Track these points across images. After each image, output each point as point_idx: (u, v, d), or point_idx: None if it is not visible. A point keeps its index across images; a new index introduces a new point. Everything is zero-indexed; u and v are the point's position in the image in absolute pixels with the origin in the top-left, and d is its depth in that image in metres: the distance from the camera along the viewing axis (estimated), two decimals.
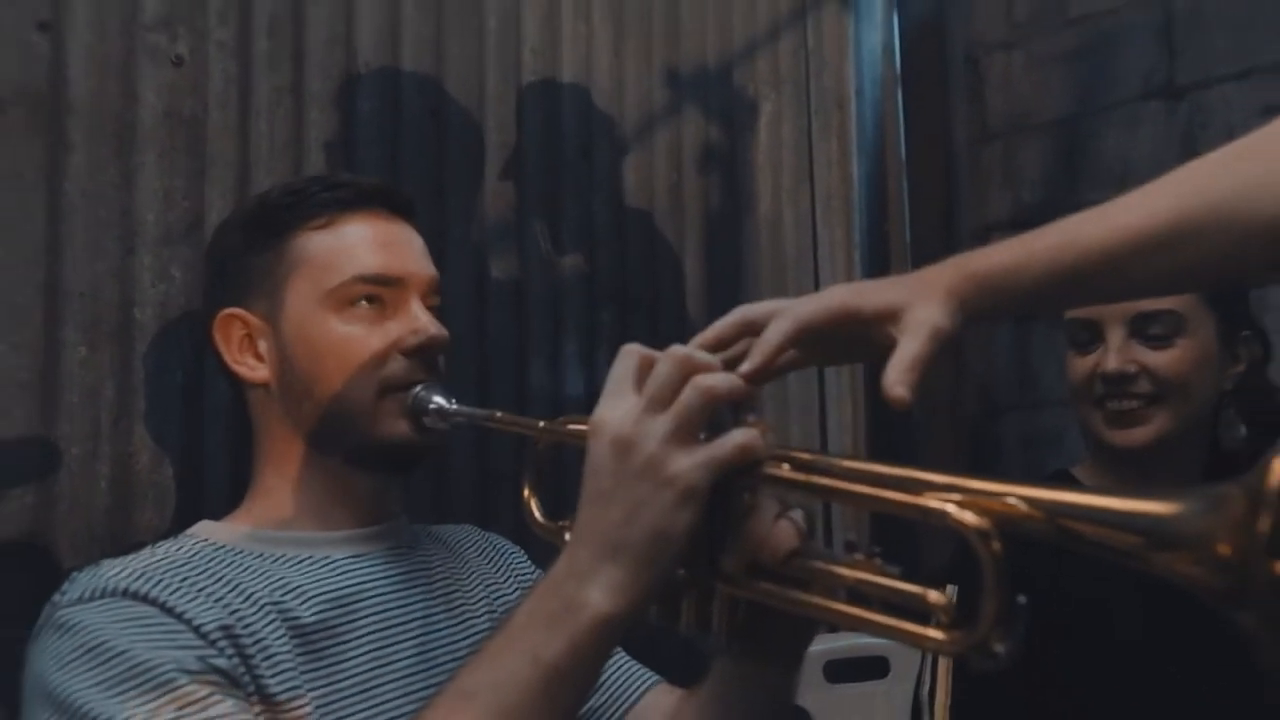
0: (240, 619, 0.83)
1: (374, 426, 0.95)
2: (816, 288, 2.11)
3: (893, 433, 2.15)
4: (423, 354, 0.96)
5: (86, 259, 1.22)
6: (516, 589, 1.07)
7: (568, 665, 0.67)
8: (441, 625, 0.97)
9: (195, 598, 0.83)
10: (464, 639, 0.98)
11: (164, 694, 0.75)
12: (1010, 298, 0.77)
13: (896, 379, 0.70)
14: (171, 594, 0.82)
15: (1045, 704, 1.14)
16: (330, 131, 1.44)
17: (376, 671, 0.90)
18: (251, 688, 0.81)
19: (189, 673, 0.77)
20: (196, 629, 0.80)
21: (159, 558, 0.88)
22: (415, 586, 0.98)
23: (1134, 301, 1.20)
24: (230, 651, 0.81)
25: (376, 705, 0.89)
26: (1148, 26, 2.03)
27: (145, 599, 0.81)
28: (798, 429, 2.04)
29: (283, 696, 0.82)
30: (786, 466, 0.69)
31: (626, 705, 1.03)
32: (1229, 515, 0.52)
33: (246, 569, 0.90)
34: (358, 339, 0.95)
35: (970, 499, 0.60)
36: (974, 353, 2.23)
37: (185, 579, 0.85)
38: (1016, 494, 0.60)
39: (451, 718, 0.68)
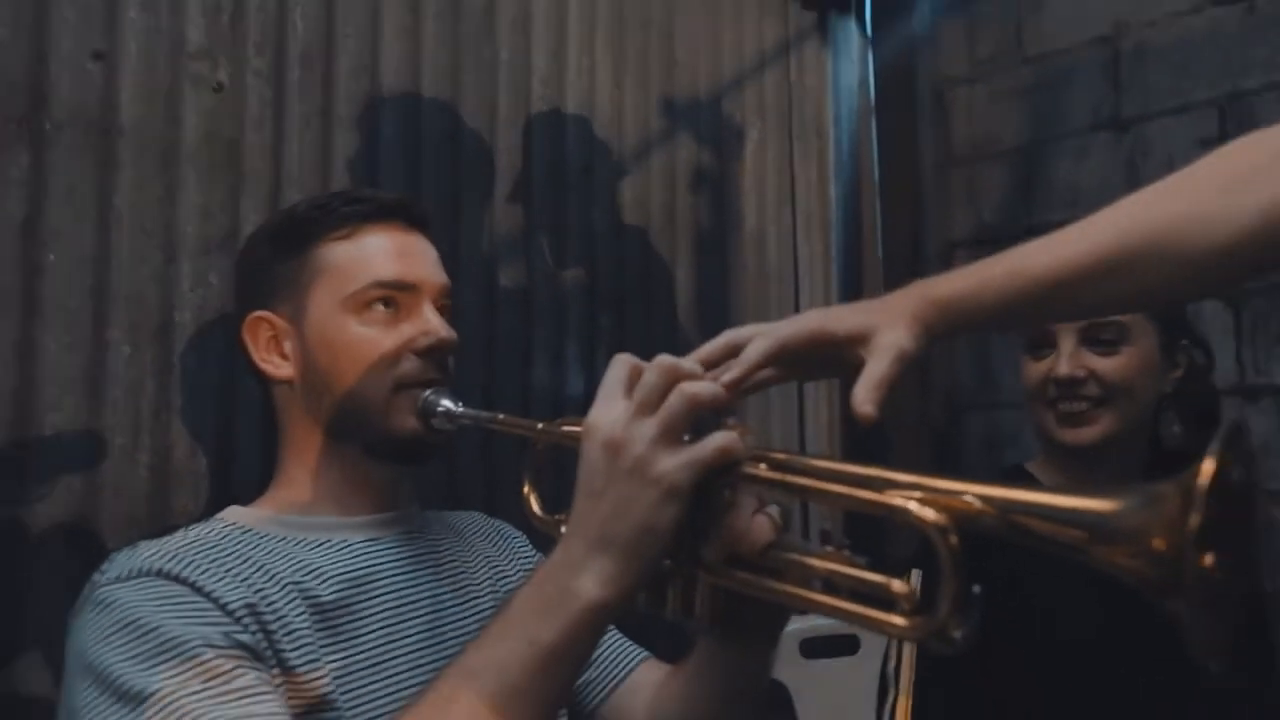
0: (264, 597, 0.82)
1: (388, 421, 0.93)
2: (796, 297, 2.10)
3: (865, 432, 2.13)
4: (433, 354, 0.95)
5: (132, 266, 1.21)
6: (519, 571, 1.06)
7: (562, 648, 0.66)
8: (449, 604, 0.96)
9: (223, 578, 0.81)
10: (470, 617, 0.97)
11: (192, 667, 0.73)
12: (968, 320, 0.77)
13: (864, 397, 0.71)
14: (201, 574, 0.80)
15: (998, 679, 1.13)
16: (355, 152, 1.43)
17: (389, 646, 0.89)
18: (273, 661, 0.79)
19: (215, 647, 0.75)
20: (223, 607, 0.79)
21: (191, 540, 0.87)
22: (425, 568, 0.97)
23: None
24: (254, 628, 0.79)
25: (389, 677, 0.87)
26: (1096, 65, 2.02)
27: (177, 579, 0.80)
28: (778, 425, 2.03)
29: (303, 669, 0.81)
30: (764, 466, 0.69)
31: (617, 679, 1.02)
32: (1163, 512, 0.52)
33: (271, 551, 0.88)
34: (373, 340, 0.93)
35: (930, 496, 0.60)
36: (939, 358, 2.22)
37: (214, 560, 0.83)
38: (972, 492, 0.60)
39: (456, 694, 0.67)
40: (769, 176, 2.07)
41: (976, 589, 0.58)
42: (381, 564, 0.93)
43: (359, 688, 0.85)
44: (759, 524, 0.73)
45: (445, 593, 0.96)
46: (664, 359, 0.69)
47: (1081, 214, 0.77)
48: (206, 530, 0.90)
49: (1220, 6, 1.85)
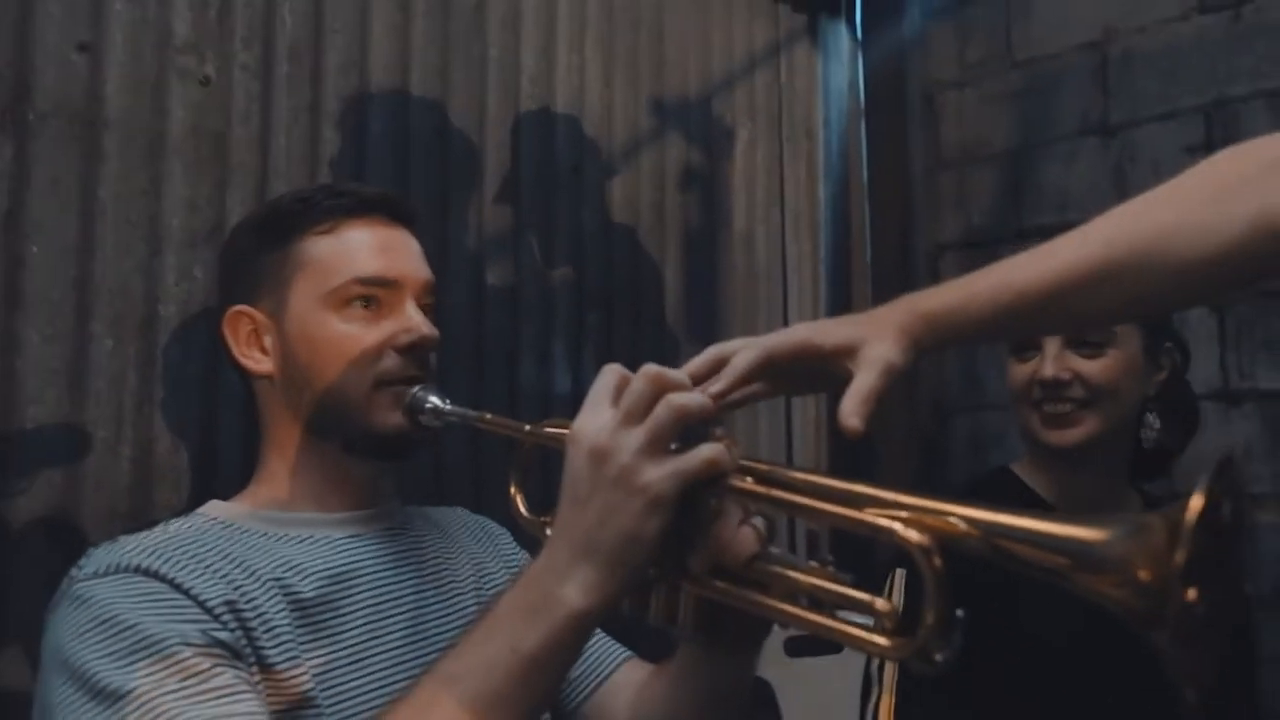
0: (244, 594, 0.81)
1: (368, 417, 0.92)
2: (785, 298, 2.10)
3: (852, 440, 2.12)
4: (414, 351, 0.93)
5: (116, 259, 1.20)
6: (502, 568, 1.05)
7: (544, 655, 0.66)
8: (432, 601, 0.95)
9: (203, 574, 0.80)
10: (453, 614, 0.96)
11: (169, 665, 0.72)
12: (956, 334, 0.77)
13: (851, 410, 0.71)
14: (180, 570, 0.79)
15: (980, 680, 1.13)
16: (343, 148, 1.42)
17: (371, 643, 0.88)
18: (253, 659, 0.78)
19: (193, 646, 0.74)
20: (202, 604, 0.78)
21: (170, 535, 0.86)
22: (408, 565, 0.96)
23: None
24: (234, 625, 0.78)
25: (370, 674, 0.86)
26: (1085, 71, 2.02)
27: (156, 575, 0.78)
28: (766, 432, 2.02)
29: (283, 666, 0.80)
30: (750, 479, 0.68)
31: (600, 678, 1.01)
32: (1150, 545, 0.52)
33: (251, 546, 0.87)
34: (354, 336, 0.92)
35: (915, 516, 0.60)
36: (926, 362, 2.21)
37: (194, 556, 0.82)
38: (958, 514, 0.59)
39: (436, 700, 0.66)
40: (758, 177, 2.07)
41: (960, 612, 0.58)
42: (363, 560, 0.92)
43: (340, 685, 0.84)
44: (744, 535, 0.72)
45: (428, 589, 0.96)
46: (651, 368, 0.68)
47: (1070, 218, 0.77)
48: (186, 525, 0.89)
49: (1208, 14, 1.85)
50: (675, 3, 1.91)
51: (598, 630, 1.04)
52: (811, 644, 1.70)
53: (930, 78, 2.27)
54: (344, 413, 0.92)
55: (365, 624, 0.89)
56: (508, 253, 1.62)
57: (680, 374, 0.70)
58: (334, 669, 0.84)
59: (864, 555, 1.64)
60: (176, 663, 0.72)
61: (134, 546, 0.82)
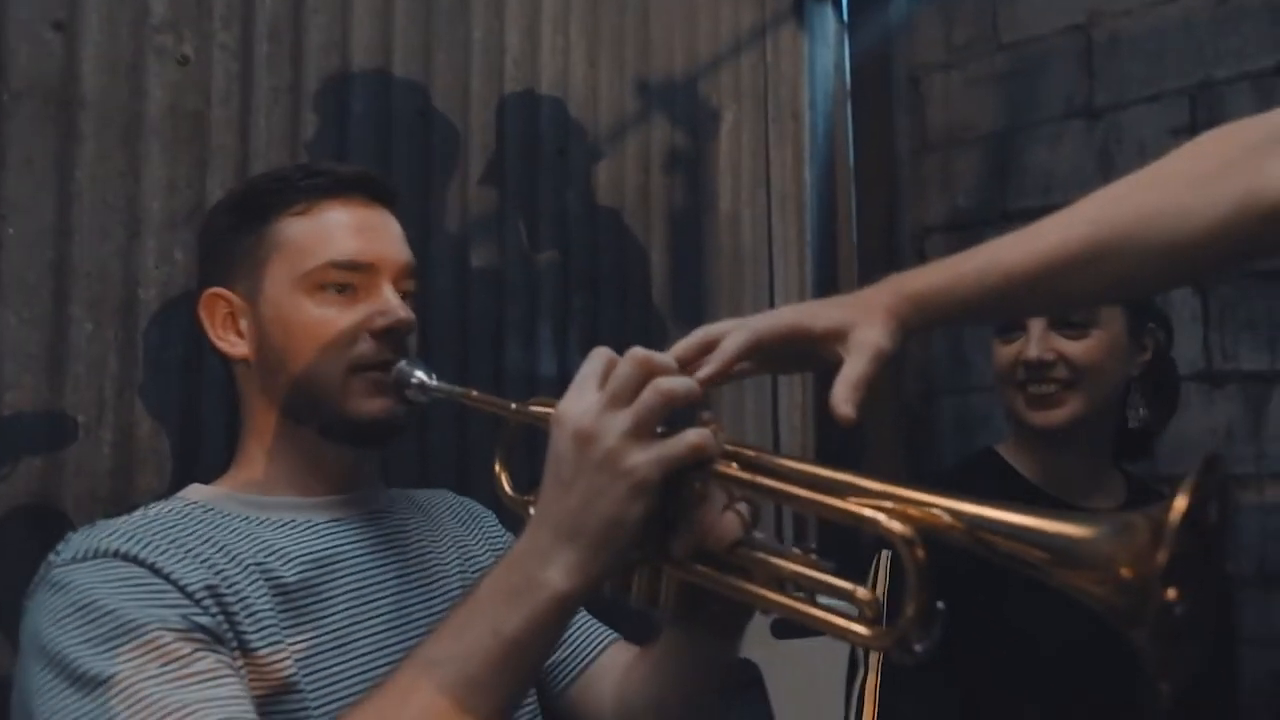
0: (225, 578, 0.80)
1: (344, 404, 0.90)
2: (771, 280, 2.09)
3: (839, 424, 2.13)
4: (390, 336, 0.92)
5: (94, 241, 1.18)
6: (487, 550, 1.05)
7: (526, 638, 0.65)
8: (416, 584, 0.94)
9: (183, 559, 0.79)
10: (437, 597, 0.95)
11: (150, 650, 0.71)
12: (943, 314, 0.77)
13: (844, 397, 0.71)
14: (160, 555, 0.78)
15: (965, 664, 1.13)
16: (324, 130, 1.40)
17: (353, 628, 0.87)
18: (235, 643, 0.78)
19: (174, 630, 0.73)
20: (183, 589, 0.77)
21: (150, 519, 0.85)
22: (391, 548, 0.95)
23: None
24: (215, 610, 0.77)
25: (354, 659, 0.86)
26: (1071, 53, 2.02)
27: (135, 560, 0.77)
28: (752, 416, 2.02)
29: (264, 651, 0.79)
30: (735, 465, 0.68)
31: (586, 661, 1.01)
32: (1133, 543, 0.52)
33: (232, 530, 0.86)
34: (328, 320, 0.90)
35: (900, 507, 0.60)
36: (913, 344, 2.22)
37: (174, 540, 0.81)
38: (942, 505, 0.59)
39: (418, 684, 0.65)
40: (744, 159, 2.06)
41: (941, 604, 0.58)
42: (345, 545, 0.92)
43: (323, 669, 0.83)
44: (728, 521, 0.72)
45: (412, 573, 0.95)
46: (637, 351, 0.67)
47: (1055, 200, 0.77)
48: (166, 509, 0.88)
49: None
50: None
51: (584, 613, 1.04)
52: (799, 625, 1.70)
53: (916, 60, 2.27)
54: (319, 398, 0.91)
55: (348, 608, 0.88)
56: (492, 235, 1.60)
57: (667, 357, 0.69)
58: (317, 654, 0.84)
59: (850, 538, 1.64)
60: (157, 647, 0.72)
61: (112, 531, 0.81)
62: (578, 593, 0.66)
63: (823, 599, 0.67)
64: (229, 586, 0.79)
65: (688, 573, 0.71)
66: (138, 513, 0.87)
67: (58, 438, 1.14)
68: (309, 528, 0.91)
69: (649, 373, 0.66)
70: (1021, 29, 2.10)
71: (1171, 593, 0.51)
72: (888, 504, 0.60)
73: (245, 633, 0.79)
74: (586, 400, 0.67)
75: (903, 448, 2.18)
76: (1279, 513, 1.72)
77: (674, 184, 1.90)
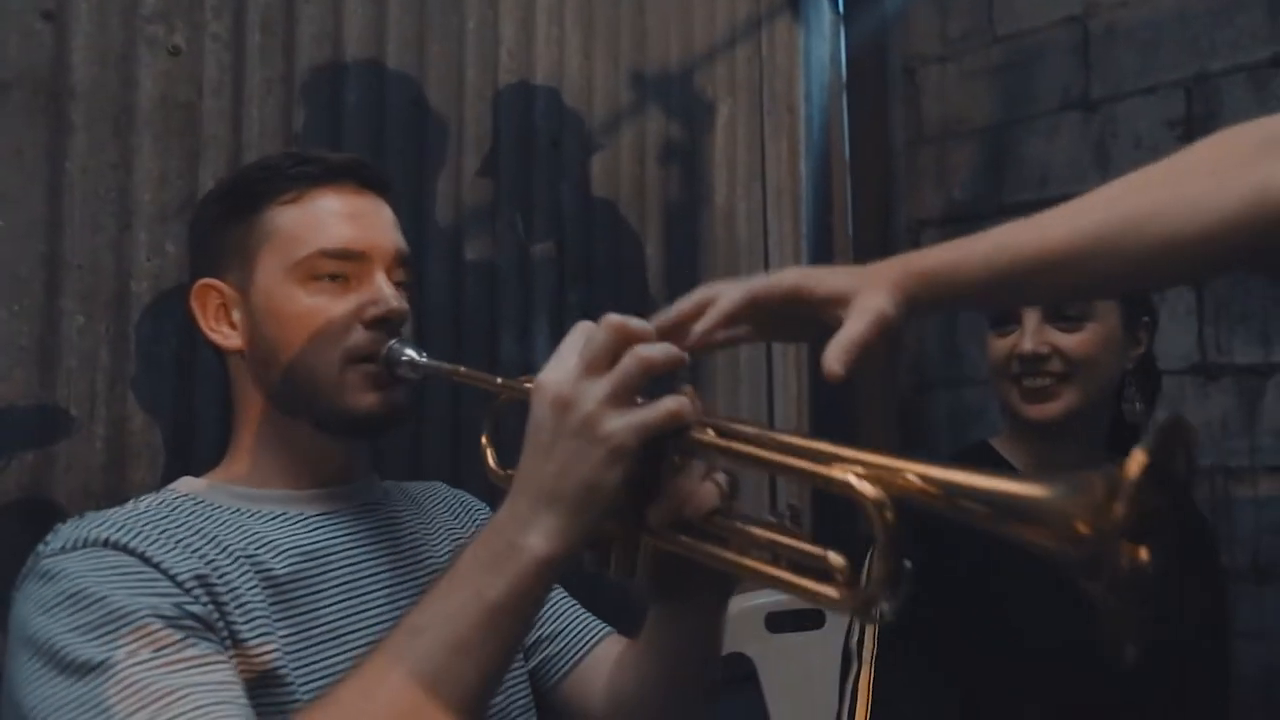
0: (215, 568, 0.80)
1: (340, 397, 0.90)
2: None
3: (833, 408, 2.14)
4: (383, 325, 0.91)
5: (85, 234, 1.17)
6: None
7: (509, 602, 0.65)
8: (408, 577, 0.94)
9: (173, 548, 0.79)
10: None
11: (141, 637, 0.71)
12: (949, 292, 0.76)
13: (836, 356, 0.70)
14: (150, 544, 0.78)
15: (951, 654, 1.13)
16: (317, 121, 1.39)
17: (345, 621, 0.87)
18: (225, 633, 0.77)
19: (164, 618, 0.73)
20: (173, 578, 0.76)
21: (140, 510, 0.84)
22: (384, 541, 0.95)
23: None
24: (205, 599, 0.77)
25: (345, 652, 0.85)
26: (1067, 45, 2.01)
27: (125, 549, 0.77)
28: (747, 398, 2.02)
29: (253, 641, 0.79)
30: (711, 432, 0.68)
31: (580, 655, 1.01)
32: (1090, 499, 0.54)
33: (223, 522, 0.86)
34: (321, 310, 0.90)
35: (872, 472, 0.61)
36: (907, 335, 2.22)
37: (164, 530, 0.81)
38: (913, 470, 0.60)
39: (403, 652, 0.65)
40: (739, 152, 2.05)
41: (908, 564, 0.59)
42: (337, 538, 0.91)
43: (314, 662, 0.83)
44: (705, 490, 0.72)
45: (405, 566, 0.95)
46: (613, 318, 0.67)
47: (1051, 193, 0.77)
48: (157, 501, 0.88)
49: None
50: None
51: (579, 607, 1.04)
52: (792, 619, 1.70)
53: (912, 52, 2.26)
54: (314, 391, 0.90)
55: (340, 601, 0.88)
56: (486, 228, 1.60)
57: (645, 324, 0.69)
58: (307, 646, 0.83)
59: (846, 534, 1.64)
60: (148, 634, 0.71)
61: (102, 521, 0.80)
62: (558, 557, 0.66)
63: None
64: (219, 576, 0.79)
65: (665, 541, 0.72)
66: (128, 504, 0.87)
67: (50, 432, 1.13)
68: (300, 520, 0.90)
69: (625, 339, 0.66)
70: (1017, 21, 2.09)
71: (1129, 547, 0.52)
72: (859, 469, 0.61)
73: (235, 623, 0.78)
74: (565, 368, 0.67)
75: (895, 441, 2.18)
76: (1272, 506, 1.72)
77: (669, 176, 1.89)
